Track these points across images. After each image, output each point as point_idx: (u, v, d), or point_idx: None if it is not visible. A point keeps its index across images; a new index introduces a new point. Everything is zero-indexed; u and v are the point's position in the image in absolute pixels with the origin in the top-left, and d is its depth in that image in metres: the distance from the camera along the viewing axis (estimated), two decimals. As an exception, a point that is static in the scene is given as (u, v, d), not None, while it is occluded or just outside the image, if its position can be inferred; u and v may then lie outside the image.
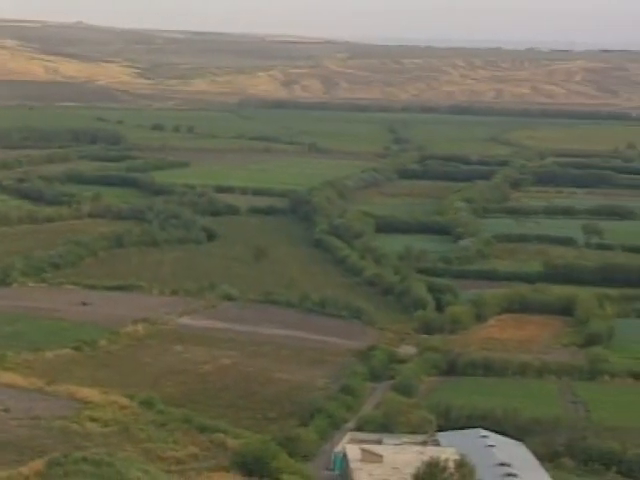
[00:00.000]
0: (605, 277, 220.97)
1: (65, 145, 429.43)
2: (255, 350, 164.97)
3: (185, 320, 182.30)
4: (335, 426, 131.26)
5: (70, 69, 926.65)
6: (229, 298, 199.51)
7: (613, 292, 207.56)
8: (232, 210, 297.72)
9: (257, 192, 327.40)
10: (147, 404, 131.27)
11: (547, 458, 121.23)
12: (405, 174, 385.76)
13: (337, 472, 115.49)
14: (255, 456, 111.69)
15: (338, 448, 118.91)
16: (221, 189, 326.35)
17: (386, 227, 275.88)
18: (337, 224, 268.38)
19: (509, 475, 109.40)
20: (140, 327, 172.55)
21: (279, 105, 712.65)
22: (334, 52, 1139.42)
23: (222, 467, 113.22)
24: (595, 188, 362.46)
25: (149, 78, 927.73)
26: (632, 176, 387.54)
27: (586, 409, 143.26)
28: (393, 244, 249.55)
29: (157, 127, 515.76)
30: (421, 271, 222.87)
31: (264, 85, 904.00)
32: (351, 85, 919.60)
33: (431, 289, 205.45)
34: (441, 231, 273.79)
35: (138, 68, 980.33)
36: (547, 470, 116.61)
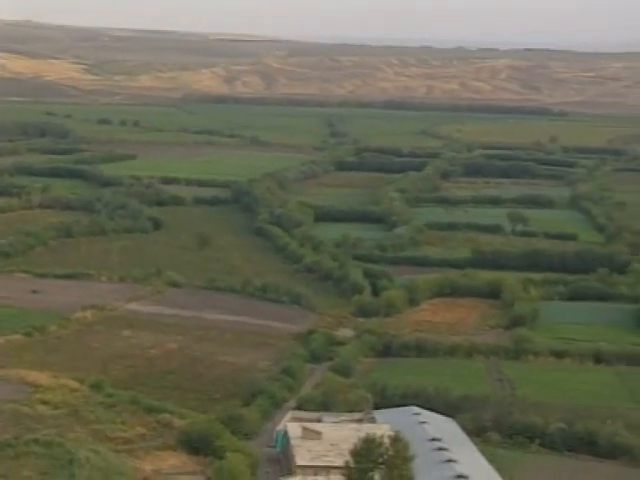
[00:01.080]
0: (529, 262, 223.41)
1: (14, 139, 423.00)
2: (200, 334, 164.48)
3: (133, 306, 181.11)
4: (276, 406, 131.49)
5: (18, 65, 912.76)
6: (175, 285, 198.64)
7: (537, 276, 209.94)
8: (177, 200, 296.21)
9: (201, 183, 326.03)
10: (96, 387, 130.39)
11: (475, 433, 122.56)
12: (342, 166, 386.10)
13: (278, 449, 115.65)
14: (200, 435, 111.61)
15: (279, 426, 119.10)
16: (166, 180, 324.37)
17: (324, 216, 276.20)
18: (277, 214, 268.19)
19: (440, 449, 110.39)
20: (89, 313, 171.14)
21: (221, 100, 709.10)
22: (274, 50, 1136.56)
23: (169, 446, 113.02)
24: (519, 179, 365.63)
25: (96, 74, 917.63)
26: (553, 167, 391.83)
27: (512, 386, 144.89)
28: (331, 232, 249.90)
29: (104, 121, 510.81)
30: (357, 258, 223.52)
31: (207, 81, 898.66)
32: (290, 81, 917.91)
33: (367, 275, 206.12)
34: (376, 220, 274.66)
35: (86, 65, 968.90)
36: (475, 444, 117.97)
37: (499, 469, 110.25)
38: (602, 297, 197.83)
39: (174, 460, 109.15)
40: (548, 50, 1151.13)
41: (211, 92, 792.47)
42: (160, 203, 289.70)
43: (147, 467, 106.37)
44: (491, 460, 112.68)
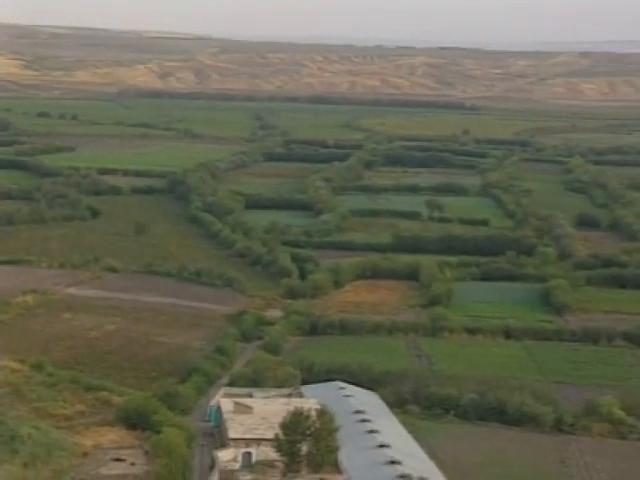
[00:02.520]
0: (445, 246, 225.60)
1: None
2: (137, 316, 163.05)
3: (72, 290, 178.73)
4: (210, 382, 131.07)
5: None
6: (113, 270, 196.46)
7: (452, 259, 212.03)
8: (114, 190, 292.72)
9: (137, 174, 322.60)
10: (37, 367, 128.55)
11: (396, 405, 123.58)
12: (271, 157, 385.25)
13: (212, 423, 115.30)
14: (138, 411, 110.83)
15: (213, 402, 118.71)
16: (104, 171, 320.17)
17: (254, 204, 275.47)
18: (210, 202, 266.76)
19: (363, 421, 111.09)
20: (30, 297, 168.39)
21: (156, 95, 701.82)
22: (206, 47, 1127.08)
23: (108, 422, 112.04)
24: (436, 168, 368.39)
25: (35, 70, 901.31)
26: (466, 158, 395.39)
27: (429, 361, 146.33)
28: (261, 219, 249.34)
29: (43, 115, 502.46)
30: (286, 243, 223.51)
31: (142, 77, 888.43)
32: (221, 77, 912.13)
33: (295, 259, 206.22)
34: (303, 207, 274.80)
35: (24, 60, 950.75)
36: (396, 415, 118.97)
37: (418, 438, 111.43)
38: (511, 278, 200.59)
39: (113, 435, 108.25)
40: (460, 49, 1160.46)
41: (146, 87, 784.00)
42: (98, 193, 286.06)
43: (87, 442, 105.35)
44: (410, 430, 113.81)
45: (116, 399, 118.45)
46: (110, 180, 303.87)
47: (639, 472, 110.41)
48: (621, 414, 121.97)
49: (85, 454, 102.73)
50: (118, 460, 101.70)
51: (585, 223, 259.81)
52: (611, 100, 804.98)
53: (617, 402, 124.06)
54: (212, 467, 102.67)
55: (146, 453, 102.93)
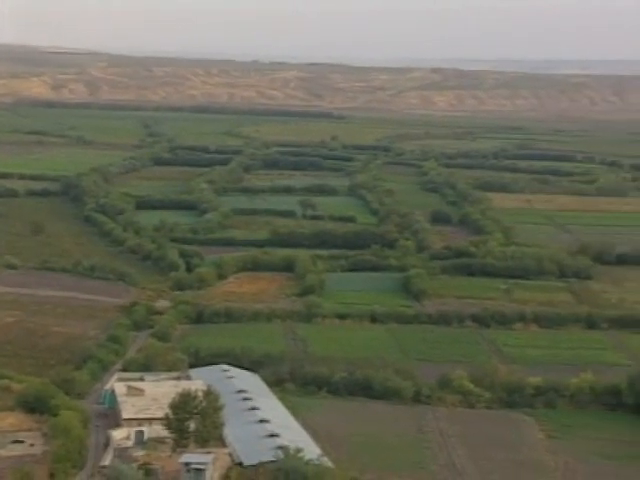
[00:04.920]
0: (317, 241, 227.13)
1: None
2: (36, 309, 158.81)
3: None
4: (105, 368, 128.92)
5: None
6: (12, 267, 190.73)
7: (324, 253, 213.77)
8: (11, 193, 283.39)
9: (33, 178, 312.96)
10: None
11: (275, 384, 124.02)
12: (159, 161, 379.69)
13: (107, 405, 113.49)
14: (36, 396, 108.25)
15: (107, 386, 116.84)
16: (1, 175, 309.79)
17: (144, 205, 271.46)
18: (103, 203, 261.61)
19: (245, 399, 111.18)
20: None
21: (50, 105, 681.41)
22: (97, 61, 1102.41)
23: (8, 407, 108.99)
24: (308, 171, 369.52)
25: None
26: (335, 161, 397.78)
27: (304, 344, 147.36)
28: (150, 218, 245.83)
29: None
30: (174, 240, 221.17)
31: (36, 88, 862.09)
32: (111, 88, 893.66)
33: (182, 254, 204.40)
34: (189, 207, 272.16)
35: None
36: (275, 394, 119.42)
37: (295, 413, 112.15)
38: (375, 268, 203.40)
39: (12, 419, 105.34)
40: (328, 64, 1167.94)
41: (40, 98, 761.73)
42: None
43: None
44: (288, 406, 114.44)
45: (16, 386, 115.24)
46: (7, 184, 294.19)
47: (485, 435, 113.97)
48: (470, 386, 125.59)
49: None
50: (17, 442, 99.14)
51: (439, 219, 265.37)
52: (459, 110, 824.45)
53: (467, 376, 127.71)
54: (107, 445, 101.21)
55: (44, 435, 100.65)
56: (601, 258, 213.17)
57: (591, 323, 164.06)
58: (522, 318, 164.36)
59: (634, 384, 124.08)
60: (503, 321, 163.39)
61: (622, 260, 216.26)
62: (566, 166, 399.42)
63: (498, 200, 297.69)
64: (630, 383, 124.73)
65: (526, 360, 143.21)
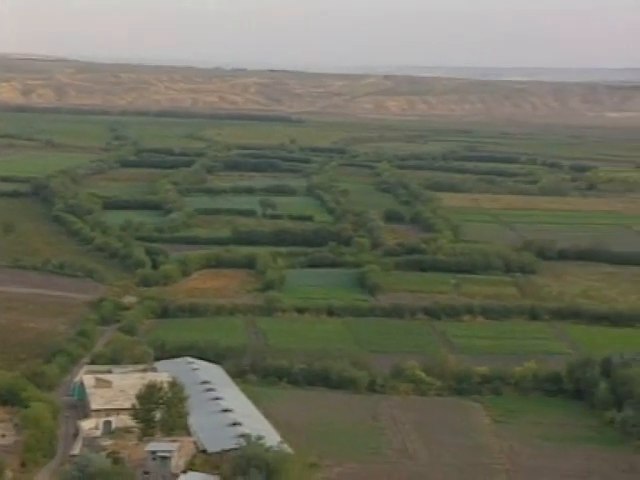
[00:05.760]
0: (277, 239, 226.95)
1: None
2: (7, 306, 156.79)
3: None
4: (74, 362, 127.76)
5: None
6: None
7: (283, 250, 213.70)
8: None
9: (4, 179, 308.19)
10: None
11: (237, 375, 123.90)
12: (125, 163, 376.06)
13: (76, 397, 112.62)
14: (8, 389, 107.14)
15: (76, 378, 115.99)
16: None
17: (111, 205, 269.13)
18: (71, 204, 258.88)
19: (209, 390, 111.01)
20: None
21: (20, 110, 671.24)
22: (64, 68, 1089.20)
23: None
24: (267, 172, 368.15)
25: None
26: (293, 163, 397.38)
27: (265, 337, 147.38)
28: (117, 218, 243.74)
29: None
30: (140, 238, 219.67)
31: (6, 93, 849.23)
32: (78, 94, 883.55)
33: (148, 252, 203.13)
34: (154, 207, 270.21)
35: None
36: (237, 384, 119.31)
37: (256, 403, 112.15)
38: (333, 264, 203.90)
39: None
40: (286, 71, 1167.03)
41: (10, 102, 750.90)
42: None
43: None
44: (250, 396, 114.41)
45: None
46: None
47: (436, 421, 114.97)
48: (422, 375, 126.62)
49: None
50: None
51: (392, 218, 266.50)
52: (410, 115, 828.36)
53: (419, 365, 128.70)
54: (76, 435, 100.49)
55: (15, 425, 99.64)
56: (543, 254, 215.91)
57: (534, 315, 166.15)
58: (470, 311, 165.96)
59: (573, 371, 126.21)
60: (452, 313, 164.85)
61: (563, 256, 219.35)
62: (511, 167, 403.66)
63: (447, 199, 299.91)
64: (569, 370, 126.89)
65: (474, 350, 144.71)
